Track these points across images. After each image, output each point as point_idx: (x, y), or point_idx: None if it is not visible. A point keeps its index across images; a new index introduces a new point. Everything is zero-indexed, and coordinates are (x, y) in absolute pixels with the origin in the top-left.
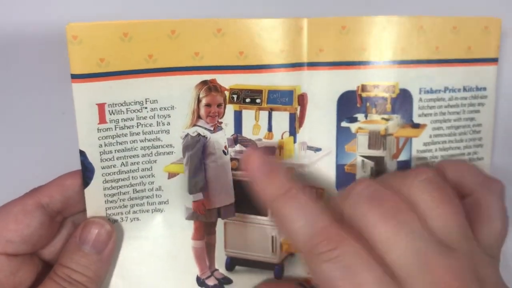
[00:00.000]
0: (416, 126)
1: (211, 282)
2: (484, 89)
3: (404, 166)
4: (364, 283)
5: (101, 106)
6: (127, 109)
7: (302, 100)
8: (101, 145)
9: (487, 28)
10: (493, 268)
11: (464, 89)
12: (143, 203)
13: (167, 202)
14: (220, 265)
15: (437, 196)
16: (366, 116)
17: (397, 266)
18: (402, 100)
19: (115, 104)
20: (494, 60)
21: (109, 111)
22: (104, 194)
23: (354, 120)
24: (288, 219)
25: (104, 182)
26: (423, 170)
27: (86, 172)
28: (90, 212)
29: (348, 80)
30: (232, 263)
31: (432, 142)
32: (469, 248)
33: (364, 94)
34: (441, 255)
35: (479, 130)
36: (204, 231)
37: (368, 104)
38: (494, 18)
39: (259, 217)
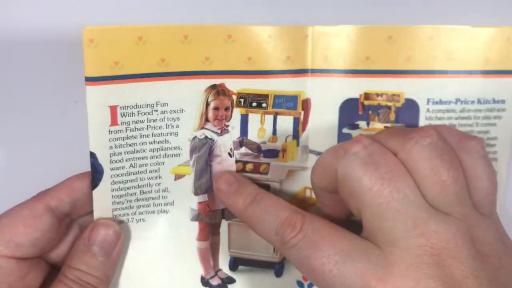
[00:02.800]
0: None
1: (215, 281)
2: (503, 101)
3: None
4: (332, 255)
5: (113, 109)
6: (138, 111)
7: (306, 105)
8: (111, 146)
9: (509, 40)
10: (489, 226)
11: (479, 102)
12: (149, 204)
13: (172, 204)
14: (223, 265)
15: (438, 164)
16: (368, 124)
17: (387, 232)
18: (407, 110)
19: (127, 107)
20: None
21: (121, 113)
22: (112, 196)
23: (356, 127)
24: (257, 223)
25: (113, 183)
26: (427, 133)
27: (96, 174)
28: (97, 213)
29: (351, 88)
30: (235, 263)
31: None
32: (463, 211)
33: (366, 102)
34: (432, 220)
35: (494, 144)
36: (209, 232)
37: (370, 112)
38: None
39: None
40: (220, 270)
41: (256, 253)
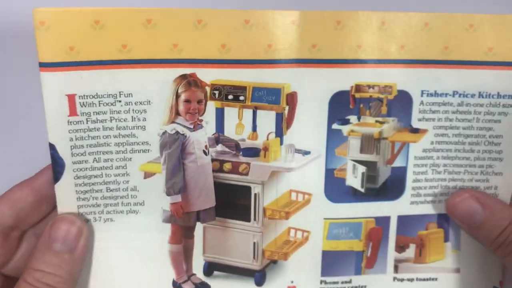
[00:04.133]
0: (415, 131)
1: (187, 286)
2: (510, 97)
3: (399, 172)
4: None
5: (71, 97)
6: (99, 101)
7: (292, 99)
8: (72, 138)
9: None
10: None
11: (480, 95)
12: (117, 203)
13: (142, 204)
14: (197, 269)
15: None
16: (359, 118)
17: None
18: (400, 102)
19: (86, 96)
20: None
21: (80, 103)
22: (76, 191)
23: (346, 122)
24: None
25: (76, 178)
26: None
27: (57, 167)
28: (61, 209)
29: (341, 79)
30: (210, 268)
31: (434, 149)
32: None
33: (357, 95)
34: None
35: (499, 142)
36: (182, 235)
37: (361, 105)
38: None
39: (241, 222)
40: (194, 274)
41: (234, 259)
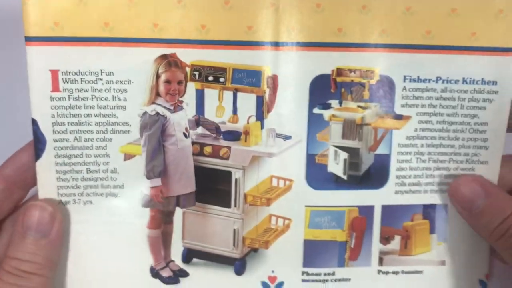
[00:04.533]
0: (399, 117)
1: (165, 273)
2: (494, 83)
3: (383, 159)
4: None
5: (54, 73)
6: (81, 79)
7: (273, 82)
8: (54, 115)
9: (501, 12)
10: None
11: (464, 81)
12: (97, 185)
13: (122, 187)
14: (176, 256)
15: None
16: (340, 103)
17: None
18: (382, 88)
19: (69, 72)
20: (510, 50)
21: (62, 79)
22: (56, 170)
23: (328, 106)
24: None
25: (56, 156)
26: None
27: (38, 144)
28: (41, 190)
29: (322, 63)
30: (189, 255)
31: (418, 136)
32: None
33: (339, 79)
34: None
35: (484, 130)
36: (161, 220)
37: (343, 90)
38: None
39: (221, 208)
40: (172, 261)
41: (214, 246)
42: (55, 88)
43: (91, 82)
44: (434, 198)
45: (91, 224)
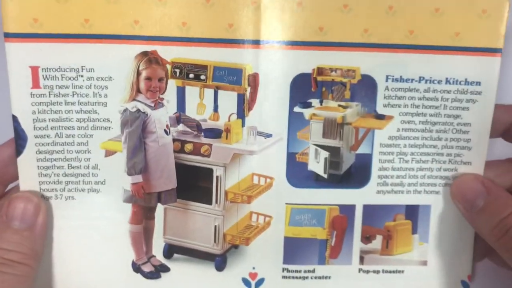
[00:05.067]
0: (381, 117)
1: (147, 268)
2: (478, 83)
3: (364, 159)
4: None
5: (34, 69)
6: (62, 75)
7: (254, 81)
8: (34, 111)
9: (485, 12)
10: None
11: (447, 81)
12: (79, 181)
13: (103, 183)
14: (158, 251)
15: None
16: (321, 102)
17: None
18: (364, 87)
19: (50, 69)
20: (494, 51)
21: (43, 75)
22: (38, 166)
23: (308, 105)
24: None
25: (38, 152)
26: None
27: (19, 140)
28: (23, 185)
29: (303, 62)
30: (170, 251)
31: (400, 136)
32: None
33: (319, 78)
34: None
35: (467, 131)
36: (142, 215)
37: (324, 89)
38: (498, 0)
39: (202, 204)
40: (154, 256)
41: (194, 242)
42: (36, 85)
43: (71, 78)
44: (417, 199)
45: (73, 219)
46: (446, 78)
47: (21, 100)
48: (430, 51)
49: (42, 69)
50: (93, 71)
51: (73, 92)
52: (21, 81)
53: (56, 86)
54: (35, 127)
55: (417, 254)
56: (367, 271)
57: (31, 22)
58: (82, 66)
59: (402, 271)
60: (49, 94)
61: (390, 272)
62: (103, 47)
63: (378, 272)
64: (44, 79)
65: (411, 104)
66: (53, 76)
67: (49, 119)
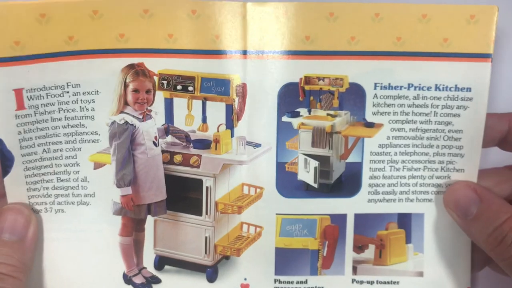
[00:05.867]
0: (370, 125)
1: (138, 280)
2: (469, 89)
3: (355, 168)
4: None
5: (18, 92)
6: (47, 94)
7: (242, 91)
8: (20, 132)
9: (473, 18)
10: None
11: (437, 88)
12: (68, 194)
13: (93, 195)
14: (148, 263)
15: None
16: (309, 111)
17: None
18: (352, 95)
19: (34, 89)
20: (484, 56)
21: (27, 96)
22: (26, 182)
23: (296, 114)
24: None
25: (25, 169)
26: None
27: (5, 161)
28: (11, 200)
29: (290, 71)
30: (161, 262)
31: (391, 144)
32: None
33: (307, 87)
34: None
35: (459, 137)
36: (133, 228)
37: (312, 98)
38: (486, 6)
39: (192, 216)
40: (144, 268)
41: (185, 254)
42: (20, 106)
43: (57, 95)
44: (409, 207)
45: (63, 232)
46: (436, 85)
47: (5, 123)
48: (418, 57)
49: (26, 90)
50: (79, 87)
51: (59, 108)
52: (4, 105)
53: (41, 104)
54: (21, 146)
55: (413, 265)
56: (361, 282)
57: (12, 45)
58: (67, 83)
59: (397, 282)
60: (35, 114)
61: (385, 283)
62: (88, 62)
63: (372, 283)
64: (29, 100)
65: (401, 112)
66: (37, 96)
67: (36, 137)
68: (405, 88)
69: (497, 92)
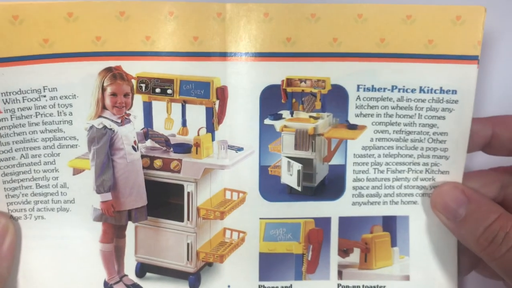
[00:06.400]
0: (353, 127)
1: (119, 287)
2: (454, 92)
3: (338, 170)
4: None
5: None
6: (23, 97)
7: (222, 94)
8: None
9: (459, 19)
10: None
11: (422, 90)
12: (48, 200)
13: (73, 201)
14: (130, 270)
15: None
16: (292, 113)
17: None
18: (335, 97)
19: (9, 93)
20: (470, 58)
21: (3, 100)
22: (5, 188)
23: (279, 117)
24: None
25: (3, 175)
26: None
27: None
28: None
29: (271, 73)
30: (142, 269)
31: (374, 146)
32: None
33: (289, 89)
34: None
35: (444, 140)
36: (113, 234)
37: (294, 100)
38: (473, 6)
39: (174, 222)
40: (126, 275)
41: (167, 260)
42: None
43: (34, 99)
44: (394, 210)
45: (43, 239)
46: (420, 87)
47: None
48: (402, 59)
49: (2, 93)
50: (56, 90)
51: (36, 112)
52: None
53: (18, 108)
54: None
55: (399, 269)
56: (347, 286)
57: None
58: (44, 86)
59: (384, 286)
60: (11, 118)
61: (371, 287)
62: (65, 66)
63: (358, 287)
64: (5, 103)
65: (384, 114)
66: (14, 99)
67: (13, 142)
68: (388, 90)
69: (484, 95)
